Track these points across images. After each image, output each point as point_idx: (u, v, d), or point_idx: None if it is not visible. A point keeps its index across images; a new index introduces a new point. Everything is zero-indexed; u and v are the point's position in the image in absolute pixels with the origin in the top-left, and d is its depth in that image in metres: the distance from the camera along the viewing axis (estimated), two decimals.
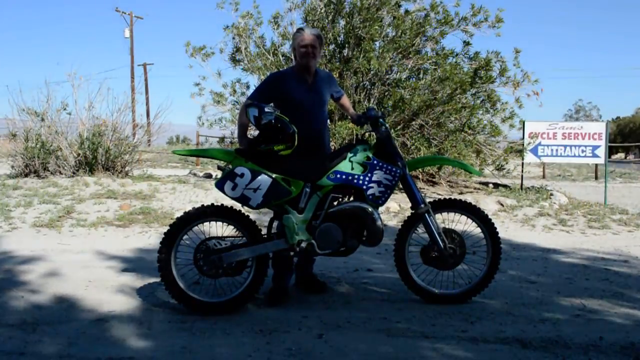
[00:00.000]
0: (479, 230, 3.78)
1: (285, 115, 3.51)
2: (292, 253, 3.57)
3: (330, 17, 9.25)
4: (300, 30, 3.83)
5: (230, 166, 3.49)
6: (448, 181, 10.00)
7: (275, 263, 3.79)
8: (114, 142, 9.20)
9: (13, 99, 9.45)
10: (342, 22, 9.34)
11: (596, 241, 6.26)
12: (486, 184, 10.54)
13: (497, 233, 3.76)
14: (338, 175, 3.53)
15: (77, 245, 5.62)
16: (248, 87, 10.15)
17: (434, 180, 9.84)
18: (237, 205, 3.61)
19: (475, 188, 9.93)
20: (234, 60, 10.10)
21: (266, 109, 3.44)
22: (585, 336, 3.12)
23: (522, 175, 10.37)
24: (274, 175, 3.45)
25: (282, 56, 9.76)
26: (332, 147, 8.41)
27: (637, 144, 40.80)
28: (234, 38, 9.88)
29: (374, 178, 3.53)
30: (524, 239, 6.32)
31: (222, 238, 3.55)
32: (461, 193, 9.12)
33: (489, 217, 3.82)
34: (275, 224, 3.72)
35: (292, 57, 3.96)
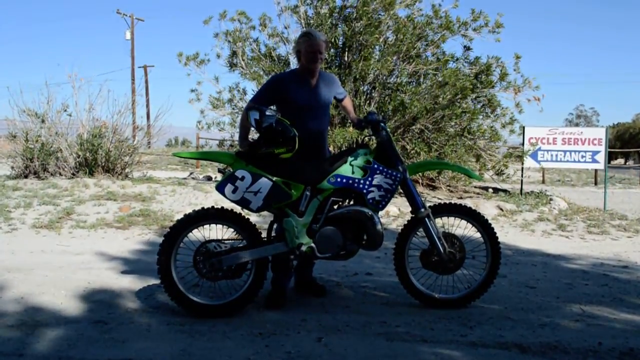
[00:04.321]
0: (478, 234, 3.78)
1: (287, 117, 3.52)
2: (292, 256, 3.58)
3: (330, 22, 9.26)
4: (307, 34, 3.78)
5: (231, 169, 3.49)
6: (448, 186, 10.01)
7: (275, 266, 3.79)
8: (114, 144, 9.20)
9: (13, 100, 9.47)
10: (343, 27, 9.36)
11: (595, 247, 6.26)
12: (486, 188, 10.55)
13: (497, 238, 3.77)
14: (338, 179, 3.53)
15: (76, 246, 5.62)
16: (245, 92, 10.17)
17: (434, 184, 9.86)
18: (237, 208, 3.62)
19: (475, 193, 9.94)
20: (231, 65, 10.12)
21: (267, 112, 3.44)
22: (584, 341, 3.12)
23: (521, 180, 10.38)
24: (274, 179, 3.46)
25: (277, 59, 9.78)
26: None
27: (636, 149, 40.83)
28: (229, 42, 9.90)
29: (375, 182, 3.54)
30: (524, 244, 6.32)
31: (222, 241, 3.55)
32: (461, 198, 9.13)
33: (489, 221, 3.82)
34: (274, 227, 3.72)
35: (296, 59, 3.96)
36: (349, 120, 4.93)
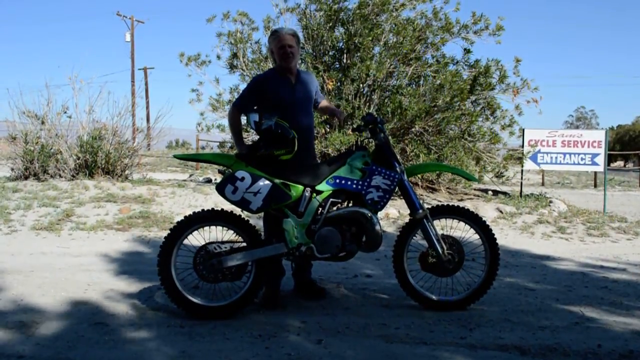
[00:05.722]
0: (477, 237, 3.79)
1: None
2: (291, 257, 3.59)
3: (329, 25, 9.28)
4: (275, 32, 3.89)
5: (231, 170, 3.51)
6: (447, 188, 10.01)
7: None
8: (114, 146, 9.20)
9: (13, 102, 9.49)
10: (341, 30, 9.37)
11: (595, 249, 6.27)
12: (485, 191, 10.55)
13: (495, 240, 3.77)
14: (337, 180, 3.55)
15: (76, 248, 5.62)
16: None
17: (433, 186, 9.86)
18: (237, 210, 3.62)
19: (474, 195, 9.94)
20: (232, 66, 10.12)
21: (266, 115, 3.48)
22: (583, 344, 3.12)
23: (521, 183, 10.39)
24: (274, 180, 3.47)
25: None
26: (329, 155, 8.43)
27: (636, 152, 40.83)
28: (231, 43, 9.90)
29: (373, 183, 3.55)
30: (523, 246, 6.32)
31: (222, 242, 3.55)
32: (461, 200, 9.13)
33: (487, 223, 3.82)
34: (267, 228, 3.73)
35: (271, 60, 4.03)
36: (337, 121, 4.90)
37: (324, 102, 4.21)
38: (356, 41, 8.95)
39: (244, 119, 4.21)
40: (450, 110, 8.91)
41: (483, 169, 9.56)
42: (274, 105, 3.72)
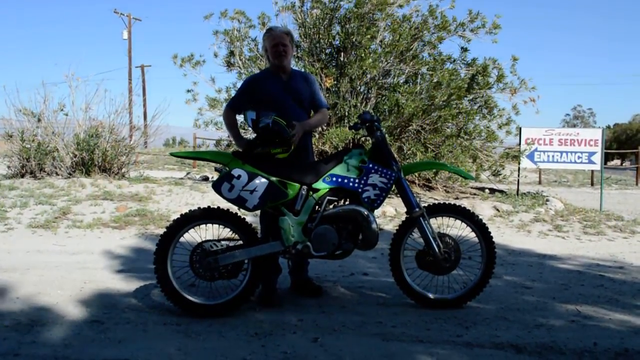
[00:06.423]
0: (474, 235, 3.79)
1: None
2: (287, 255, 3.59)
3: (325, 23, 9.27)
4: (269, 30, 3.90)
5: (228, 168, 3.50)
6: (444, 186, 10.02)
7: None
8: (110, 144, 9.19)
9: (10, 99, 9.43)
10: (338, 28, 9.37)
11: (591, 247, 6.28)
12: (482, 189, 10.56)
13: (492, 238, 3.77)
14: (334, 179, 3.55)
15: (72, 246, 5.61)
16: None
17: (430, 185, 9.87)
18: (234, 208, 3.62)
19: (471, 193, 9.95)
20: (229, 64, 10.11)
21: (264, 112, 3.48)
22: (579, 342, 3.13)
23: (518, 181, 10.40)
24: (270, 178, 3.47)
25: None
26: (327, 152, 8.44)
27: (633, 150, 40.90)
28: (228, 42, 9.89)
29: (370, 181, 3.55)
30: (520, 244, 6.33)
31: (219, 240, 3.55)
32: (457, 198, 9.14)
33: (484, 222, 3.82)
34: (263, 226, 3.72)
35: (265, 59, 4.04)
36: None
37: (317, 115, 4.06)
38: (354, 40, 8.94)
39: (240, 117, 4.21)
40: (447, 109, 8.91)
41: (480, 167, 9.58)
42: (267, 104, 3.71)
